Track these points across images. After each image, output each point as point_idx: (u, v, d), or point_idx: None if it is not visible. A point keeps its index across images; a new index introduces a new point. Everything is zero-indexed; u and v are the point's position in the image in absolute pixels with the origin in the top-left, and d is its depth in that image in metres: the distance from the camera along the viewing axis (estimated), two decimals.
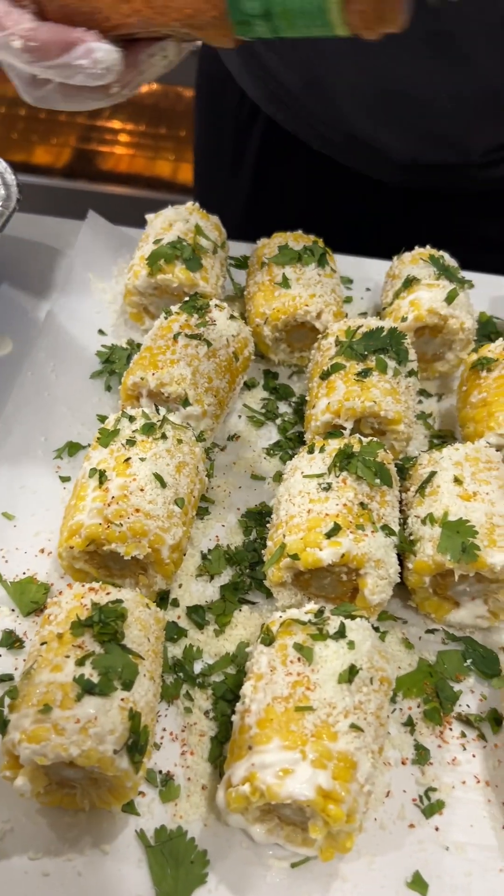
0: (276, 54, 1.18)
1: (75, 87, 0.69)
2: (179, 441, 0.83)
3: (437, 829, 0.71)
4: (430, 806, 0.72)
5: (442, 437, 1.03)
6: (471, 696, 0.79)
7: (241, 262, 1.17)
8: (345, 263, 1.23)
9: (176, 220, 1.07)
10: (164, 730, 0.75)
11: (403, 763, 0.74)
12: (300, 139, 1.26)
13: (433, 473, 0.84)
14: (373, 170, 1.23)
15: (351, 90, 1.13)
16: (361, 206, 1.29)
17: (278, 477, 0.94)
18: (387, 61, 1.07)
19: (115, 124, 2.99)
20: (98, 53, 0.67)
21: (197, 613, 0.82)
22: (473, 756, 0.76)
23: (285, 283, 1.03)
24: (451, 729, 0.77)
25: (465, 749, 0.76)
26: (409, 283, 1.04)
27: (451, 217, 1.28)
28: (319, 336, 1.02)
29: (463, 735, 0.77)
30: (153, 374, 0.89)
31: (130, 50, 0.70)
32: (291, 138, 1.27)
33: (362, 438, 0.85)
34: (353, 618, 0.71)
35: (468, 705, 0.79)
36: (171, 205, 1.14)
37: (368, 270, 1.23)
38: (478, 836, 0.71)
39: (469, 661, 0.81)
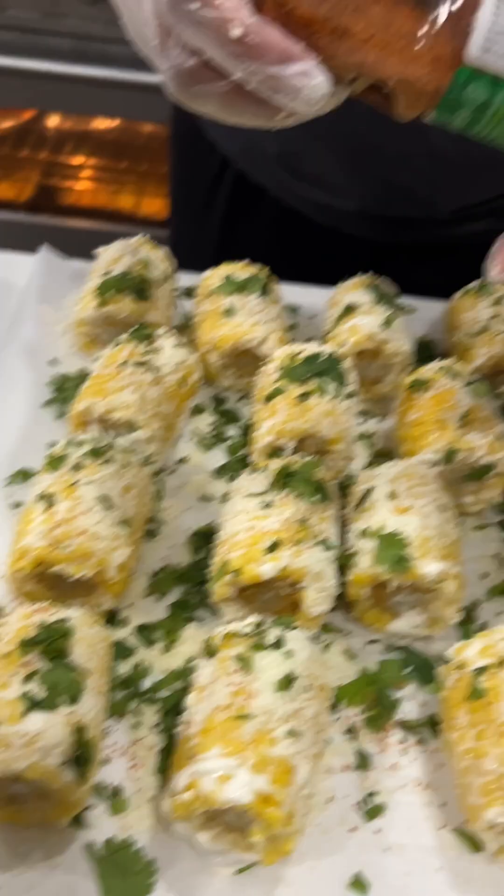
0: None
1: (245, 97, 0.62)
2: (126, 465, 0.86)
3: (377, 831, 0.74)
4: (371, 810, 0.75)
5: (384, 456, 1.07)
6: (411, 702, 0.82)
7: (190, 292, 1.21)
8: (292, 292, 1.28)
9: (125, 253, 1.11)
10: (114, 744, 0.77)
11: (346, 770, 0.77)
12: (269, 193, 1.32)
13: (370, 490, 0.88)
14: (338, 221, 1.28)
15: (324, 145, 1.18)
16: (328, 258, 1.34)
17: (226, 497, 0.98)
18: (363, 118, 1.12)
19: (78, 159, 3.05)
20: (316, 80, 0.60)
21: (146, 631, 0.84)
22: (413, 760, 0.78)
23: (230, 311, 1.07)
24: (392, 735, 0.80)
25: (405, 754, 0.79)
26: (349, 309, 1.09)
27: (413, 269, 1.33)
28: (263, 362, 1.06)
29: (404, 740, 0.80)
30: (100, 401, 0.92)
31: None
32: (260, 190, 1.33)
33: (303, 458, 0.89)
34: (291, 629, 0.74)
35: (408, 712, 0.82)
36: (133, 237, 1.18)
37: (314, 298, 1.27)
38: (417, 837, 0.74)
39: (409, 669, 0.84)
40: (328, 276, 1.30)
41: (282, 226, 1.35)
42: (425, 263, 1.30)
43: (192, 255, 1.54)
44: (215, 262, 1.46)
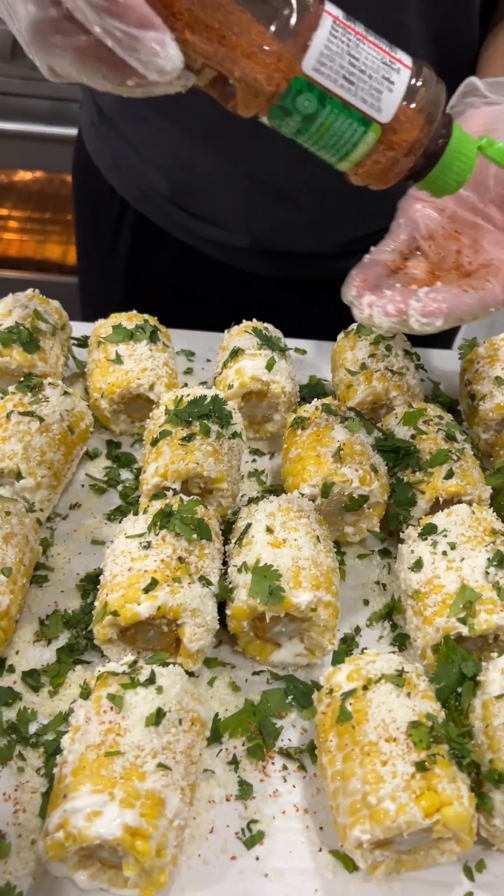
0: (140, 156, 1.29)
1: (99, 57, 0.63)
2: (8, 513, 0.88)
3: (257, 858, 0.76)
4: (252, 837, 0.77)
5: (273, 492, 1.11)
6: (292, 730, 0.85)
7: (83, 342, 1.25)
8: (187, 337, 1.33)
9: (15, 307, 1.14)
10: None
11: (228, 800, 0.79)
12: (169, 234, 1.37)
13: (249, 525, 0.92)
14: (234, 258, 1.34)
15: (213, 183, 1.24)
16: (228, 295, 1.39)
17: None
18: (252, 154, 1.18)
19: (3, 211, 3.08)
20: (170, 52, 0.62)
21: (32, 677, 0.86)
22: (294, 787, 0.81)
23: (118, 359, 1.11)
24: (273, 763, 0.83)
25: (285, 781, 0.81)
26: (235, 353, 1.14)
27: (305, 302, 1.38)
28: (153, 406, 1.10)
29: (284, 768, 0.82)
30: None
31: None
32: (160, 231, 1.38)
33: (183, 497, 0.92)
34: (165, 665, 0.77)
35: (290, 739, 0.84)
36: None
37: (209, 343, 1.32)
38: (295, 860, 0.76)
39: (290, 698, 0.87)
40: (229, 313, 1.35)
41: (183, 264, 1.40)
42: (320, 298, 1.36)
43: (100, 298, 1.58)
44: (122, 302, 1.50)
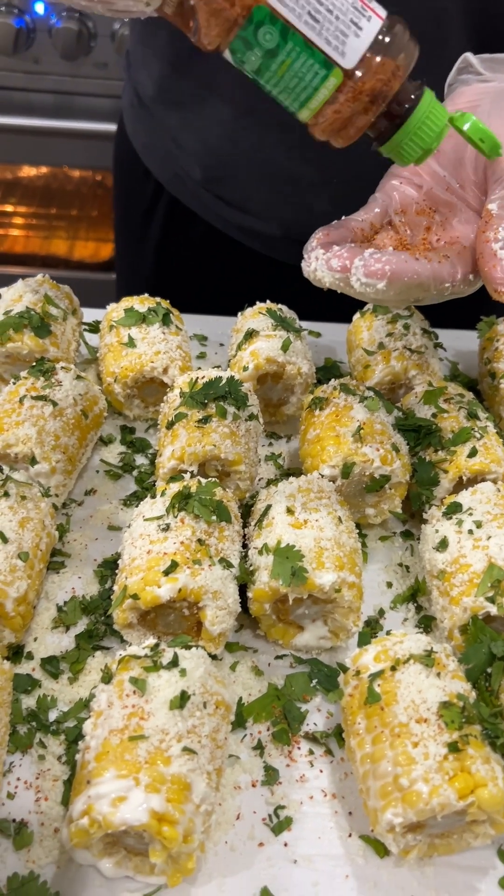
0: (174, 141, 1.28)
1: None
2: (23, 497, 0.87)
3: (285, 844, 0.74)
4: (279, 823, 0.75)
5: (291, 475, 1.08)
6: (318, 714, 0.83)
7: (94, 327, 1.23)
8: (200, 321, 1.31)
9: (25, 292, 1.12)
10: (18, 779, 0.76)
11: (254, 785, 0.77)
12: (200, 217, 1.35)
13: (269, 506, 0.90)
14: (265, 247, 1.32)
15: (245, 172, 1.22)
16: (256, 281, 1.37)
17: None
18: (281, 143, 1.17)
19: (8, 208, 3.07)
20: None
21: (51, 664, 0.84)
22: (321, 771, 0.79)
23: (131, 342, 1.09)
24: (299, 748, 0.81)
25: (312, 766, 0.79)
26: (249, 335, 1.12)
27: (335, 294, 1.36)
28: (168, 389, 1.08)
29: (311, 752, 0.80)
30: None
31: None
32: (192, 215, 1.36)
33: (201, 480, 0.90)
34: (188, 648, 0.75)
35: (315, 724, 0.82)
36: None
37: (221, 327, 1.30)
38: (325, 846, 0.74)
39: (315, 681, 0.85)
40: (259, 300, 1.34)
41: (213, 250, 1.39)
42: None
43: (132, 279, 1.57)
44: (152, 285, 1.49)
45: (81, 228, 3.07)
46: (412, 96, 0.72)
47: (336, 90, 0.70)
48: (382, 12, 0.70)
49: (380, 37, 0.69)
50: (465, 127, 0.76)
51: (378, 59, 0.69)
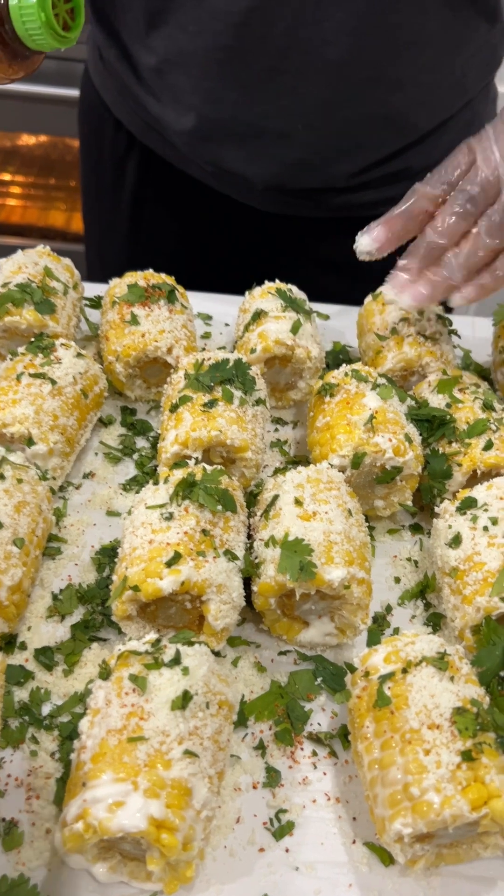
0: (148, 90, 1.22)
1: None
2: (20, 480, 0.83)
3: (287, 850, 0.71)
4: (281, 828, 0.72)
5: (297, 463, 1.05)
6: (322, 714, 0.80)
7: (95, 303, 1.18)
8: (204, 300, 1.26)
9: (25, 264, 1.07)
10: (9, 776, 0.73)
11: (255, 787, 0.74)
12: (175, 167, 1.30)
13: (276, 496, 0.86)
14: (243, 196, 1.27)
15: (211, 127, 1.18)
16: (238, 234, 1.33)
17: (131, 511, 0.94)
18: (238, 100, 1.12)
19: (5, 176, 3.00)
20: None
21: (45, 655, 0.80)
22: (324, 774, 0.76)
23: (134, 320, 1.04)
24: (302, 749, 0.78)
25: (315, 768, 0.76)
26: (258, 316, 1.08)
27: (316, 241, 1.33)
28: (171, 370, 1.03)
29: (314, 754, 0.77)
30: None
31: None
32: (167, 166, 1.31)
33: (206, 467, 0.86)
34: (190, 644, 0.71)
35: (319, 724, 0.79)
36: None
37: (226, 306, 1.26)
38: (328, 853, 0.71)
39: (319, 680, 0.82)
40: (238, 256, 1.29)
41: (190, 200, 1.34)
42: (334, 237, 1.31)
43: (105, 237, 1.51)
44: (127, 239, 1.44)
45: (80, 200, 3.01)
46: None
47: None
48: None
49: None
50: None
51: None
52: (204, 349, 1.18)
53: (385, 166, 1.21)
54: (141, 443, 1.05)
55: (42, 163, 3.03)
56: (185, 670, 0.68)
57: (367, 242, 0.96)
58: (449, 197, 0.94)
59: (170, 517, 0.80)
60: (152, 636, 0.72)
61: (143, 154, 1.34)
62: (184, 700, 0.66)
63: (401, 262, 0.96)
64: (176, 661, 0.69)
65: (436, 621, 0.88)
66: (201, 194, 1.30)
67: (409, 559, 0.95)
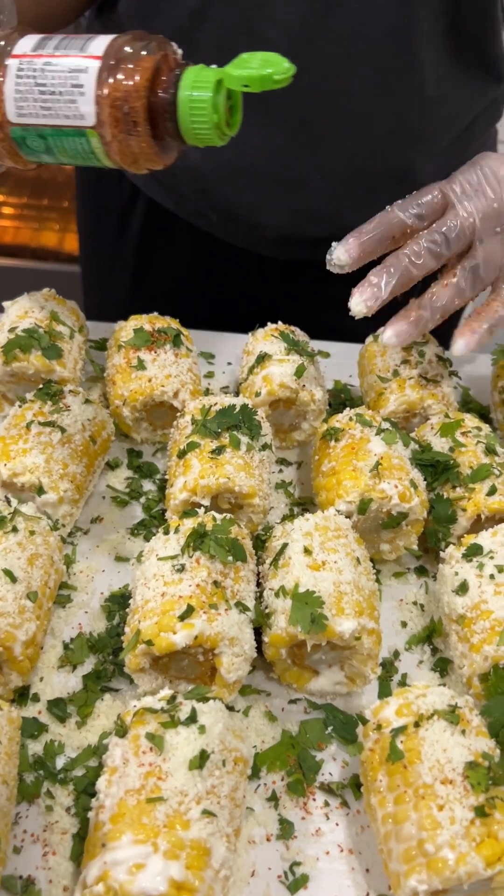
0: None
1: None
2: (32, 532, 0.83)
3: None
4: (295, 881, 0.73)
5: (302, 504, 1.06)
6: (333, 763, 0.81)
7: (101, 344, 1.19)
8: (207, 338, 1.28)
9: (32, 308, 1.08)
10: (25, 832, 0.73)
11: (268, 839, 0.75)
12: (180, 218, 1.32)
13: (285, 545, 0.87)
14: (250, 244, 1.29)
15: (228, 173, 1.19)
16: (242, 279, 1.35)
17: (141, 558, 0.95)
18: (260, 147, 1.14)
19: None
20: None
21: (58, 707, 0.81)
22: (337, 825, 0.77)
23: (140, 365, 1.05)
24: (314, 799, 0.78)
25: (328, 818, 0.77)
26: (262, 358, 1.09)
27: (322, 285, 1.34)
28: (178, 414, 1.04)
29: (326, 804, 0.78)
30: (5, 464, 0.89)
31: None
32: (172, 217, 1.33)
33: (216, 516, 0.87)
34: (205, 700, 0.72)
35: (331, 773, 0.80)
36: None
37: (229, 345, 1.27)
38: None
39: (330, 729, 0.83)
40: (243, 299, 1.30)
41: (196, 249, 1.36)
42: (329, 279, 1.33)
43: (106, 285, 1.53)
44: (130, 285, 1.45)
45: (73, 220, 3.02)
46: (170, 88, 0.71)
47: (102, 142, 0.73)
48: (100, 47, 0.71)
49: (101, 74, 0.71)
50: (235, 81, 0.71)
51: (104, 93, 0.70)
52: (208, 389, 1.19)
53: None
54: (147, 486, 1.06)
55: (34, 183, 3.04)
56: (202, 728, 0.69)
57: (344, 257, 0.97)
58: (423, 234, 0.97)
59: (181, 569, 0.81)
60: (167, 692, 0.73)
61: (147, 206, 1.35)
62: (201, 759, 0.67)
63: (373, 279, 0.97)
64: (192, 718, 0.69)
65: (443, 667, 0.90)
66: (207, 243, 1.32)
67: (415, 603, 0.96)
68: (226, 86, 0.70)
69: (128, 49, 0.71)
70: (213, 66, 0.71)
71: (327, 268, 0.99)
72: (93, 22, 1.28)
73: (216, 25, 1.07)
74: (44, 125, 0.73)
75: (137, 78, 0.70)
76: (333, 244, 0.98)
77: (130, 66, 0.70)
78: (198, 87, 0.70)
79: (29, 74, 0.71)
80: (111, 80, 0.70)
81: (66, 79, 0.71)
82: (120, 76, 0.70)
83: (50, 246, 3.02)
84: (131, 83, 0.70)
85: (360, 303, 0.96)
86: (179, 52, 0.73)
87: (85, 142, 0.73)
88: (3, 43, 0.74)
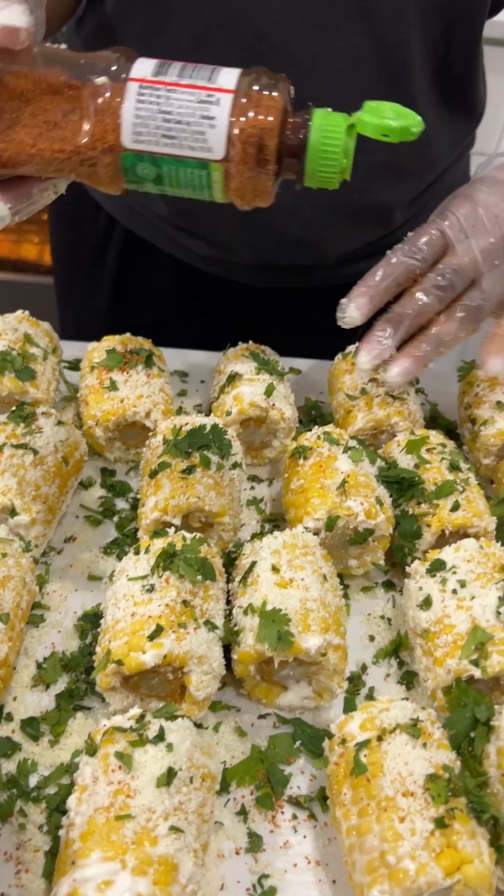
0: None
1: None
2: (4, 555, 0.85)
3: None
4: (263, 893, 0.74)
5: (273, 521, 1.08)
6: (301, 776, 0.83)
7: (75, 365, 1.21)
8: (180, 357, 1.30)
9: (5, 331, 1.10)
10: None
11: (237, 853, 0.77)
12: (159, 248, 1.33)
13: (254, 563, 0.89)
14: (229, 272, 1.31)
15: (214, 205, 1.21)
16: (219, 305, 1.37)
17: (113, 578, 0.97)
18: None
19: None
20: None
21: (31, 726, 0.83)
22: (304, 837, 0.79)
23: (113, 386, 1.07)
24: (282, 812, 0.80)
25: (296, 831, 0.79)
26: (232, 378, 1.11)
27: (300, 310, 1.37)
28: (150, 434, 1.06)
29: (294, 817, 0.80)
30: None
31: (24, 183, 0.72)
32: (150, 247, 1.34)
33: (186, 535, 0.89)
34: (173, 718, 0.74)
35: (299, 787, 0.82)
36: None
37: (202, 363, 1.29)
38: None
39: (298, 743, 0.85)
40: (222, 325, 1.33)
41: (175, 277, 1.38)
42: (316, 306, 1.35)
43: (83, 311, 1.54)
44: (109, 316, 1.46)
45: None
46: (301, 129, 0.71)
47: (224, 176, 0.72)
48: (231, 81, 0.70)
49: (235, 107, 0.70)
50: (368, 128, 0.73)
51: (237, 131, 0.70)
52: (181, 407, 1.21)
53: (375, 245, 1.25)
54: (121, 504, 1.08)
55: None
56: (170, 746, 0.71)
57: (357, 315, 0.98)
58: (427, 279, 0.98)
59: (151, 589, 0.83)
60: (136, 711, 0.75)
61: (125, 237, 1.37)
62: (168, 777, 0.69)
63: (381, 334, 0.99)
64: (160, 737, 0.71)
65: (409, 679, 0.92)
66: (185, 272, 1.34)
67: (382, 616, 0.98)
68: (360, 132, 0.71)
69: (258, 86, 0.70)
70: (338, 112, 0.71)
71: (338, 324, 1.00)
72: (72, 36, 1.27)
73: (215, 52, 1.08)
74: (163, 154, 0.70)
75: (272, 117, 0.69)
76: (342, 302, 0.99)
77: (264, 103, 0.69)
78: (330, 131, 0.70)
79: (152, 100, 0.69)
80: (243, 118, 0.69)
81: (195, 109, 0.69)
82: (252, 113, 0.69)
83: (30, 258, 3.03)
84: (267, 121, 0.69)
85: (367, 361, 0.98)
86: (292, 91, 0.73)
87: (205, 175, 0.71)
88: (115, 67, 0.70)
